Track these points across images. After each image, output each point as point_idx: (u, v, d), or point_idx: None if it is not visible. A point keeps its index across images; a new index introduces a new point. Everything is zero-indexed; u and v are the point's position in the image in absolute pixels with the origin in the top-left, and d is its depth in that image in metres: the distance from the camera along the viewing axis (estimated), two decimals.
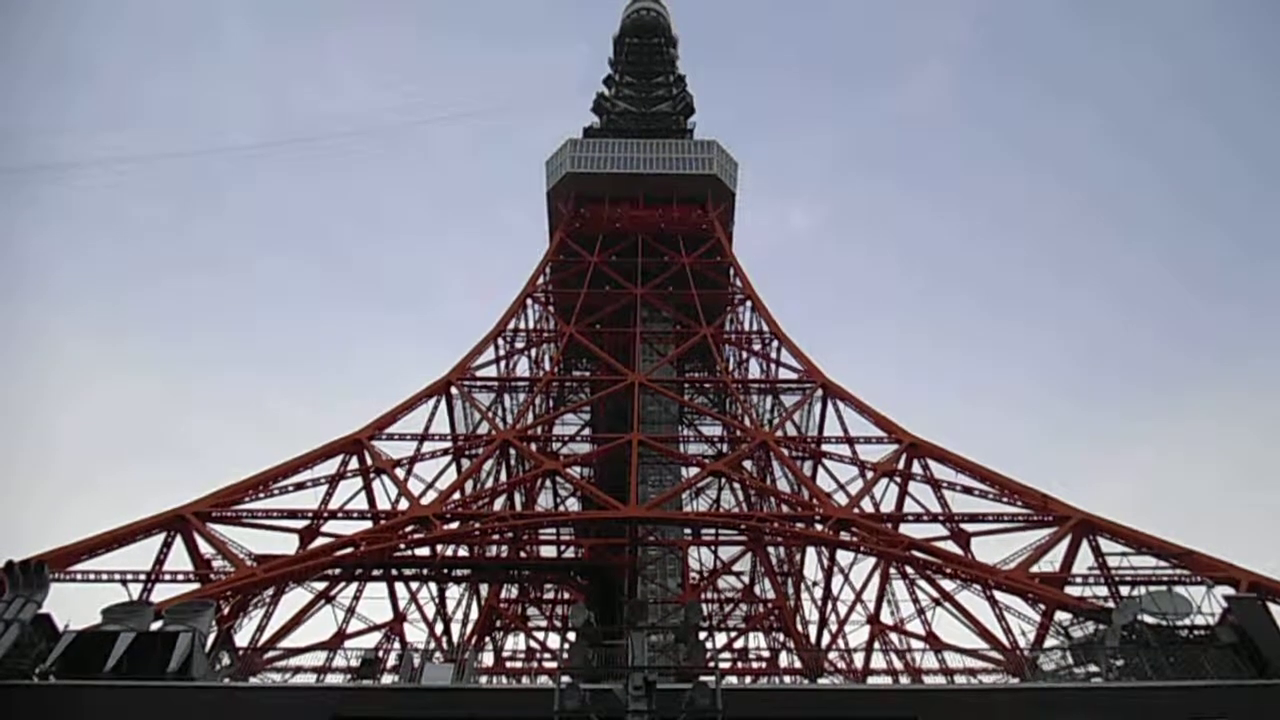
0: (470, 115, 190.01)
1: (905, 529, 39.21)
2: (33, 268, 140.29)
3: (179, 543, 35.15)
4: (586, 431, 60.21)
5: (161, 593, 32.71)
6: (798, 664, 46.95)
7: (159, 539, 34.84)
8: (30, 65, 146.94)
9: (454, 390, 49.03)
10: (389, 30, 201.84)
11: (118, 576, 33.02)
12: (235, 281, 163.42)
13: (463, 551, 41.72)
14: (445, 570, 40.65)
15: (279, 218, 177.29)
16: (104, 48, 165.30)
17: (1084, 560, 35.13)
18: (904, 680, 39.21)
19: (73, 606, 24.13)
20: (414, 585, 43.59)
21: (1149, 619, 25.26)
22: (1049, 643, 30.63)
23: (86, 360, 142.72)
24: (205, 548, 35.32)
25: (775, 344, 55.62)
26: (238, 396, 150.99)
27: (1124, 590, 32.06)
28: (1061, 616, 30.52)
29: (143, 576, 33.43)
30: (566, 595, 49.61)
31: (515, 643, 52.73)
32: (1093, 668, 25.58)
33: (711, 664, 21.81)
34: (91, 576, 32.83)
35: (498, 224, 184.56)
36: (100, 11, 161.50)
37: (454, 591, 46.65)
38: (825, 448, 46.97)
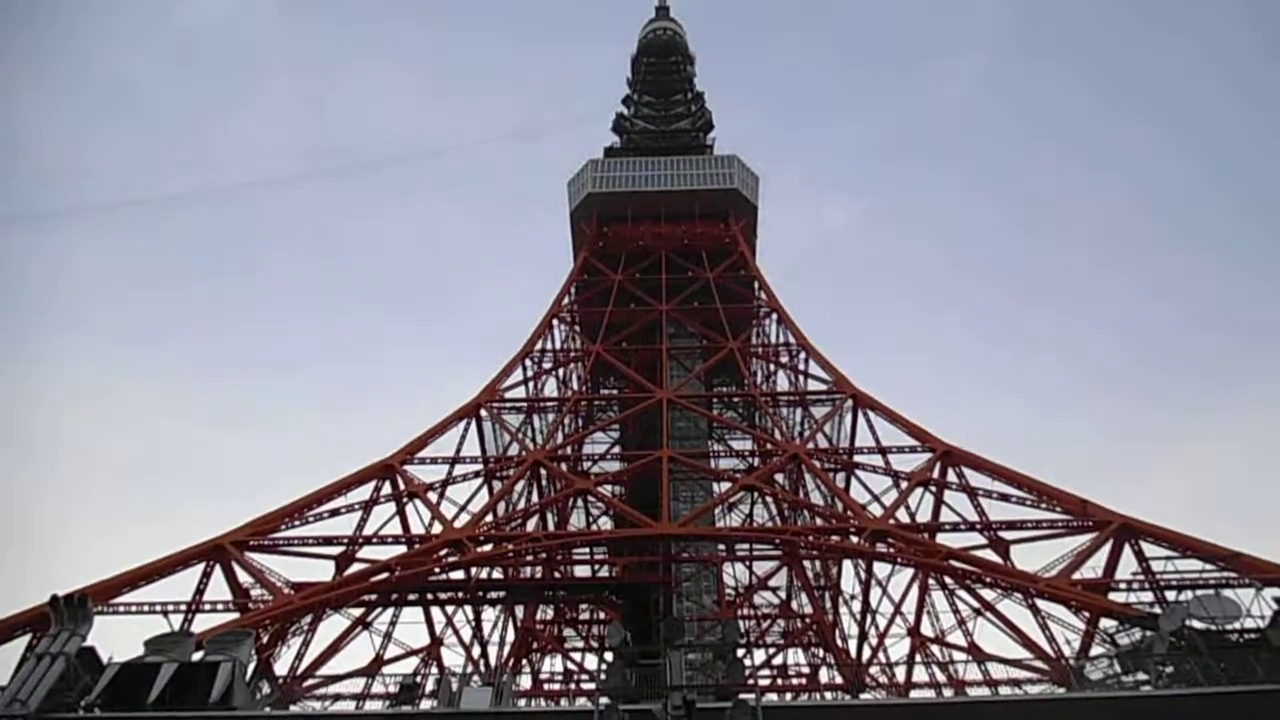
0: (502, 137, 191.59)
1: (942, 538, 38.72)
2: (70, 305, 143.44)
3: (218, 572, 35.56)
4: (616, 449, 60.17)
5: (202, 623, 33.09)
6: (838, 679, 46.41)
7: (199, 569, 35.27)
8: (83, 102, 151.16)
9: (483, 412, 49.24)
10: (419, 47, 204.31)
11: (159, 608, 33.44)
12: (265, 302, 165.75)
13: (497, 574, 41.76)
14: (480, 593, 40.73)
15: (306, 238, 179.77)
16: (144, 78, 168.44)
17: (1127, 565, 34.54)
18: (947, 693, 38.56)
19: (116, 638, 24.47)
20: (450, 609, 43.81)
21: (1197, 624, 24.71)
22: (1095, 651, 30.04)
23: (121, 390, 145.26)
24: (244, 577, 35.71)
25: (803, 355, 55.38)
26: (272, 421, 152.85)
27: (1170, 595, 31.36)
28: (1107, 624, 29.92)
29: (183, 607, 33.82)
30: (602, 615, 49.41)
31: (552, 664, 52.75)
32: (1141, 676, 25.00)
33: (751, 681, 21.59)
34: (134, 608, 33.25)
35: (527, 242, 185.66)
36: (138, 38, 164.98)
37: (489, 614, 46.81)
38: (857, 458, 46.64)
